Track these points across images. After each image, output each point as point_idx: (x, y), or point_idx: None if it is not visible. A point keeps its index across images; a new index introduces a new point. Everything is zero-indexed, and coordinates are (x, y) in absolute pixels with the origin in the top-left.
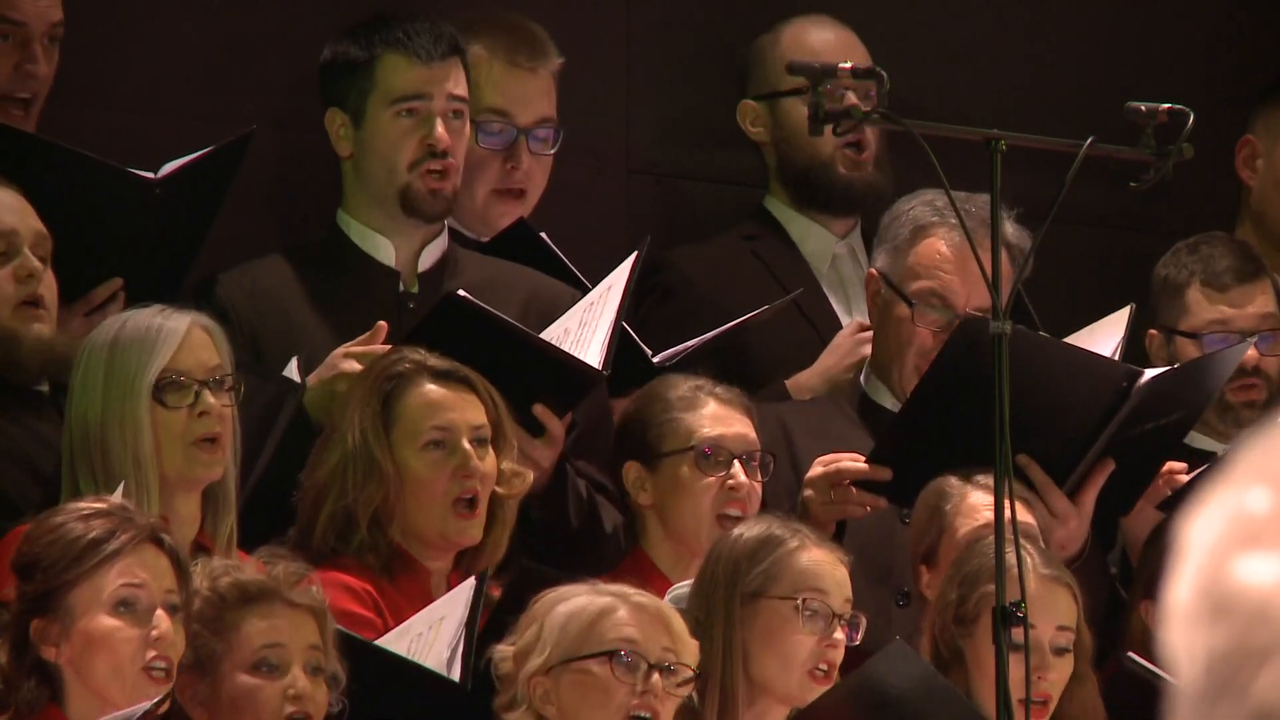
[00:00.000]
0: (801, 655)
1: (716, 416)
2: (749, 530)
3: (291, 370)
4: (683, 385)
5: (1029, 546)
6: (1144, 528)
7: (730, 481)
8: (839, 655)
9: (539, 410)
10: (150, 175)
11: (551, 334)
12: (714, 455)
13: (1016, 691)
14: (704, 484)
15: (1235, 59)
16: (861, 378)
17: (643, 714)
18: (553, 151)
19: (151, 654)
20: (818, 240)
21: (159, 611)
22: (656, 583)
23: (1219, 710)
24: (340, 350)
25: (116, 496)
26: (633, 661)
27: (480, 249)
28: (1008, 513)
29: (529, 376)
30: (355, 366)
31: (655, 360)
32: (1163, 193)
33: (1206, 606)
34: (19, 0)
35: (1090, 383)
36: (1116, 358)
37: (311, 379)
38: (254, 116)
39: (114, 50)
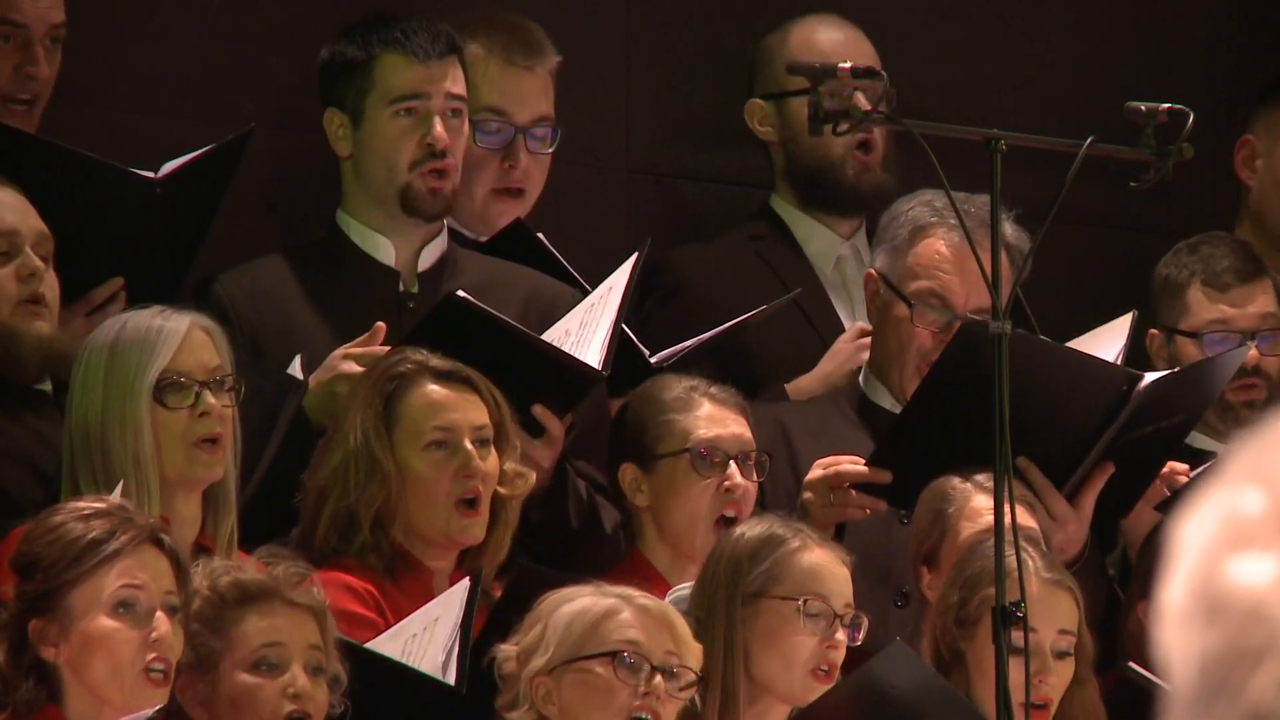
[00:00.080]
0: (803, 655)
1: (711, 417)
2: (750, 530)
3: (295, 369)
4: (677, 386)
5: (1031, 550)
6: (1143, 528)
7: (727, 484)
8: (840, 656)
9: (538, 411)
10: (150, 175)
11: (552, 335)
12: (710, 456)
13: (1017, 694)
14: (700, 486)
15: (1235, 59)
16: (860, 378)
17: (644, 716)
18: (551, 150)
19: (150, 655)
20: (823, 241)
21: (158, 613)
22: (654, 584)
23: (1213, 711)
24: (339, 352)
25: (116, 496)
26: (635, 663)
27: (478, 249)
28: (1007, 515)
29: (528, 377)
30: (354, 368)
31: (653, 361)
32: (1163, 193)
33: (1200, 607)
34: (20, 2)
35: (1090, 386)
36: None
37: (311, 380)
38: (254, 116)
39: (114, 50)
